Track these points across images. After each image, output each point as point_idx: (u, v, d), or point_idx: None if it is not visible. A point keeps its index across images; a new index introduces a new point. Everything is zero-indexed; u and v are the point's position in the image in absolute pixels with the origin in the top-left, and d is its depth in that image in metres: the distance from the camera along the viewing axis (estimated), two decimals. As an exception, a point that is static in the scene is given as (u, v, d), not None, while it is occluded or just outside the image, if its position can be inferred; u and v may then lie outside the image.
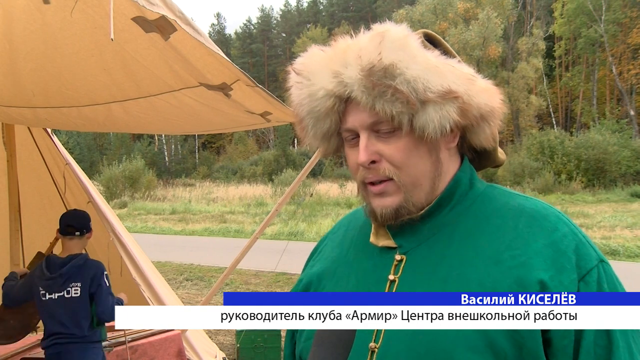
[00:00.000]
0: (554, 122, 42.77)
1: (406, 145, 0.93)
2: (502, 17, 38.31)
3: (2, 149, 4.09)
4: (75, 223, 3.26)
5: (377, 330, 0.91)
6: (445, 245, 0.95)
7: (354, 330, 0.85)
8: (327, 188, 27.42)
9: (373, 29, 0.93)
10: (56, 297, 3.18)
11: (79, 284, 3.19)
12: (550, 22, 44.76)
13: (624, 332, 0.86)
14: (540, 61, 40.25)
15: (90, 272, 3.22)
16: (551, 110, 44.06)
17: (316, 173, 26.22)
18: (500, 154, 1.10)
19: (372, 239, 1.02)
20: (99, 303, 3.17)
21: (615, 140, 28.51)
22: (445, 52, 0.98)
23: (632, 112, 36.81)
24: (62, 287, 3.18)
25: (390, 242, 0.99)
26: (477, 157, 1.06)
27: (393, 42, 0.89)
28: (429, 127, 0.89)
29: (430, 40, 1.01)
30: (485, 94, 0.94)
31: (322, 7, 72.87)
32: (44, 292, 3.20)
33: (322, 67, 0.95)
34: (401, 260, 0.97)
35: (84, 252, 3.37)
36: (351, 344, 0.84)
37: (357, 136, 0.95)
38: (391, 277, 0.96)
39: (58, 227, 3.29)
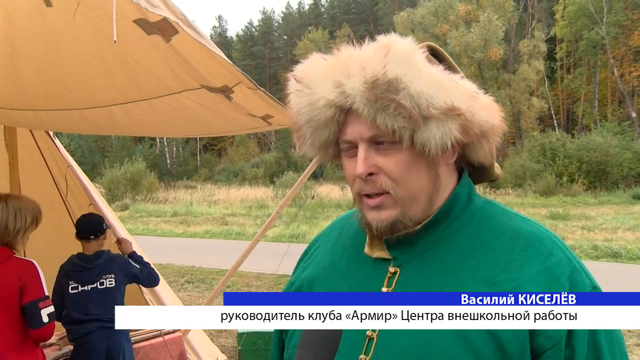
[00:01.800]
0: (556, 124, 42.72)
1: (405, 159, 0.92)
2: (503, 20, 38.26)
3: (4, 151, 4.10)
4: (84, 229, 3.44)
5: (368, 342, 0.91)
6: (440, 261, 0.94)
7: (340, 331, 0.85)
8: (328, 190, 27.42)
9: (378, 41, 0.92)
10: (89, 288, 3.34)
11: (113, 275, 3.40)
12: (552, 24, 44.72)
13: (612, 353, 0.87)
14: (542, 63, 40.19)
15: (120, 263, 3.48)
16: (553, 112, 44.00)
17: (317, 175, 26.22)
18: (497, 168, 1.10)
19: (366, 249, 1.02)
20: (143, 283, 3.56)
21: (617, 142, 28.49)
22: (449, 67, 0.97)
23: (633, 114, 36.75)
24: (97, 278, 3.36)
25: (384, 254, 0.99)
26: (473, 171, 1.06)
27: (398, 55, 0.88)
28: (430, 144, 0.89)
29: (435, 54, 1.00)
30: (487, 111, 0.93)
31: (323, 9, 72.97)
32: (75, 285, 3.33)
33: (324, 76, 0.94)
34: (395, 273, 0.96)
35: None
36: (337, 345, 0.84)
37: (356, 147, 0.94)
38: (384, 289, 0.95)
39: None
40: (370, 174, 0.93)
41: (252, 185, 35.03)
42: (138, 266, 3.53)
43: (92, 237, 3.42)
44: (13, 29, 2.24)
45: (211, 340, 5.41)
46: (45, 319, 2.57)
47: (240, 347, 5.08)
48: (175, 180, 44.56)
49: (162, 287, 4.51)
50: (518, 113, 39.55)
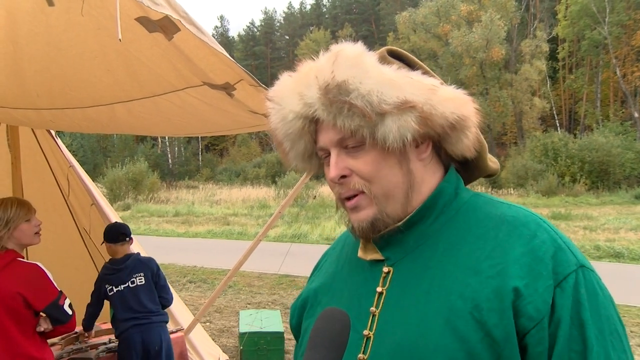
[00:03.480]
0: (558, 125, 42.66)
1: (374, 158, 0.95)
2: (505, 20, 38.21)
3: (6, 151, 4.10)
4: (125, 231, 3.70)
5: (366, 341, 0.95)
6: (429, 256, 0.97)
7: (348, 333, 0.86)
8: (330, 190, 27.27)
9: (330, 50, 0.97)
10: (122, 288, 3.56)
11: (142, 274, 3.61)
12: (554, 24, 44.63)
13: (602, 337, 0.86)
14: (544, 63, 40.12)
15: (150, 264, 3.69)
16: (555, 112, 43.96)
17: (319, 175, 26.20)
18: (493, 163, 1.10)
19: (360, 253, 1.05)
20: (162, 290, 3.68)
21: (619, 142, 28.45)
22: (409, 65, 1.02)
23: (636, 114, 36.67)
24: (127, 278, 3.58)
25: (377, 255, 1.01)
26: (464, 167, 1.07)
27: (346, 60, 0.93)
28: (389, 138, 0.92)
29: (395, 56, 1.04)
30: (451, 103, 0.95)
31: (325, 9, 73.02)
32: (110, 287, 3.57)
33: (290, 91, 0.99)
34: (388, 272, 0.99)
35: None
36: (345, 347, 0.85)
37: (330, 154, 0.98)
38: (379, 289, 0.98)
39: (104, 239, 3.68)
40: (344, 176, 0.97)
41: (253, 185, 35.05)
42: (162, 278, 3.74)
43: (128, 239, 3.67)
44: (15, 28, 2.24)
45: (213, 340, 5.41)
46: (70, 311, 2.70)
47: (241, 347, 5.08)
48: (177, 180, 44.65)
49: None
50: (520, 113, 39.53)
